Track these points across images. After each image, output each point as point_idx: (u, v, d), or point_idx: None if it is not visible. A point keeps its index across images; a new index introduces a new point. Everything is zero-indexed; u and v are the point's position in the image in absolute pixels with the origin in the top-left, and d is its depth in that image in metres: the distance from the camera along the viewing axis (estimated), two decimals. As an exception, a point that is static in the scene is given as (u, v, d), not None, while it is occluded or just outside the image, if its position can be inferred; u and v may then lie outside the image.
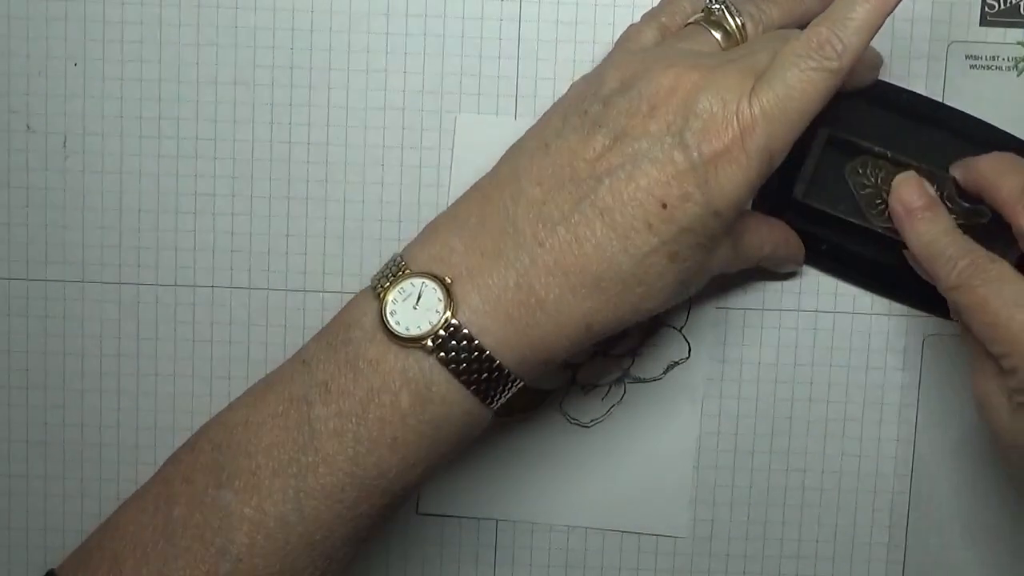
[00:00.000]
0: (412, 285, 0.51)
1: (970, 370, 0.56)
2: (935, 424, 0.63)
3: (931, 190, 0.58)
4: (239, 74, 0.62)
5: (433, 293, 0.51)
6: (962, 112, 0.61)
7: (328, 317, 0.55)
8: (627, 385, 0.63)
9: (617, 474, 0.63)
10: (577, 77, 0.61)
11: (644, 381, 0.63)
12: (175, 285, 0.63)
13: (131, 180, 0.62)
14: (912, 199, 0.57)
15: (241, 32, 0.61)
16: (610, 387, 0.63)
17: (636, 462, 0.63)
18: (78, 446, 0.64)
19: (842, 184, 0.59)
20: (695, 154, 0.51)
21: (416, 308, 0.50)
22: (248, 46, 0.62)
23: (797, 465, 0.64)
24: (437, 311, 0.50)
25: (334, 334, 0.53)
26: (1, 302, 0.63)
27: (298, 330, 0.63)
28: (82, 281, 0.63)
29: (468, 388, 0.51)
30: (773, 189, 0.60)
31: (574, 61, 0.61)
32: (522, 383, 0.53)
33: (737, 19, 0.55)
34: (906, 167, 0.58)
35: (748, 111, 0.51)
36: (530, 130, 0.55)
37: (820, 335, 0.63)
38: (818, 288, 0.63)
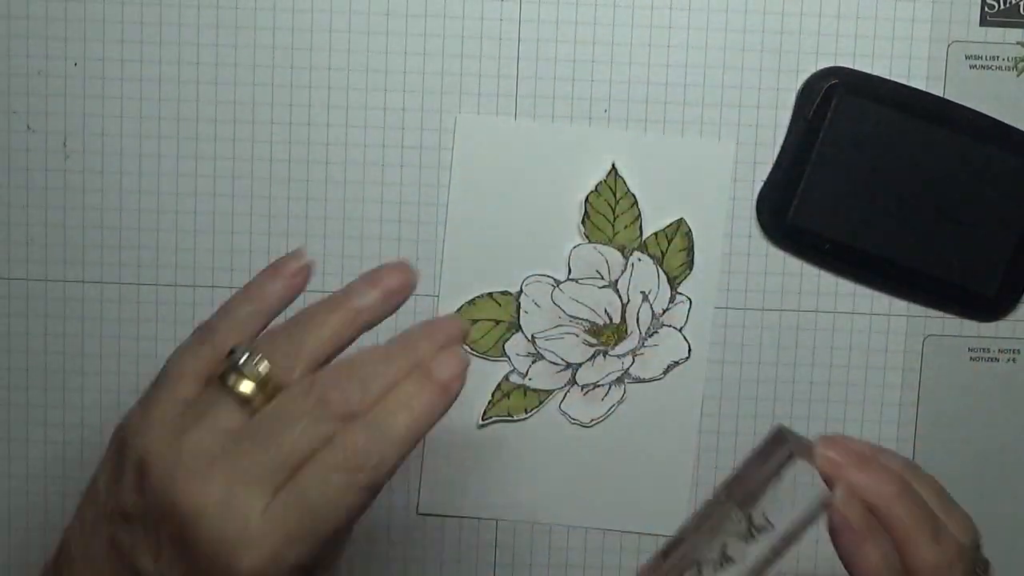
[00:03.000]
0: None
1: None
2: (935, 424, 0.63)
3: None
4: (239, 74, 0.62)
5: None
6: (964, 107, 0.61)
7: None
8: (627, 385, 0.63)
9: (617, 474, 0.63)
10: (577, 77, 0.61)
11: (644, 381, 0.63)
12: (175, 285, 0.63)
13: (131, 180, 0.62)
14: (859, 519, 0.49)
15: (241, 32, 0.61)
16: (610, 387, 0.63)
17: (636, 462, 0.63)
18: (78, 446, 0.64)
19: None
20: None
21: None
22: (248, 46, 0.62)
23: (797, 465, 0.64)
24: None
25: None
26: (1, 302, 0.63)
27: (298, 330, 0.63)
28: (82, 281, 0.63)
29: None
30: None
31: (574, 61, 0.61)
32: None
33: (261, 371, 0.46)
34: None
35: (267, 541, 0.44)
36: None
37: (820, 335, 0.63)
38: (818, 288, 0.63)
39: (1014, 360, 0.63)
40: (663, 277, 0.62)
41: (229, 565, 0.44)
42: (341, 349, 0.48)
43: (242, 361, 0.46)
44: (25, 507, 0.64)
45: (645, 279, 0.62)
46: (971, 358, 0.63)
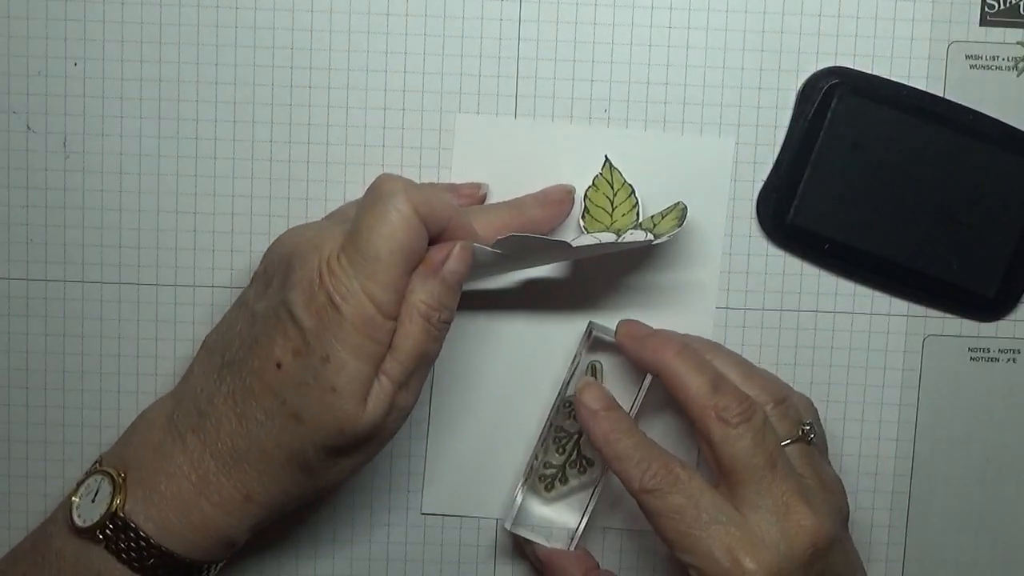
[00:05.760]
0: (94, 481, 0.55)
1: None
2: (935, 424, 0.63)
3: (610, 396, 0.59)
4: (239, 74, 0.62)
5: (107, 488, 0.55)
6: (964, 107, 0.61)
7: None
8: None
9: (617, 474, 0.63)
10: (577, 77, 0.61)
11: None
12: (175, 285, 0.63)
13: (131, 180, 0.62)
14: (593, 402, 0.58)
15: (241, 32, 0.61)
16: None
17: (636, 462, 0.63)
18: (78, 446, 0.64)
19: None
20: (297, 312, 0.52)
21: (94, 502, 0.54)
22: (248, 46, 0.62)
23: (797, 465, 0.64)
24: (105, 503, 0.54)
25: (42, 528, 0.57)
26: (1, 302, 0.63)
27: (298, 330, 0.62)
28: (82, 281, 0.63)
29: (139, 574, 0.54)
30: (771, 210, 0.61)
31: (574, 61, 0.61)
32: (221, 563, 0.57)
33: None
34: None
35: (335, 265, 0.52)
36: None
37: (820, 335, 0.63)
38: (818, 288, 0.63)
39: (1014, 360, 0.63)
40: (650, 237, 0.59)
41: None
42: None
43: None
44: (25, 508, 0.64)
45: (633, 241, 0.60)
46: (971, 358, 0.63)
